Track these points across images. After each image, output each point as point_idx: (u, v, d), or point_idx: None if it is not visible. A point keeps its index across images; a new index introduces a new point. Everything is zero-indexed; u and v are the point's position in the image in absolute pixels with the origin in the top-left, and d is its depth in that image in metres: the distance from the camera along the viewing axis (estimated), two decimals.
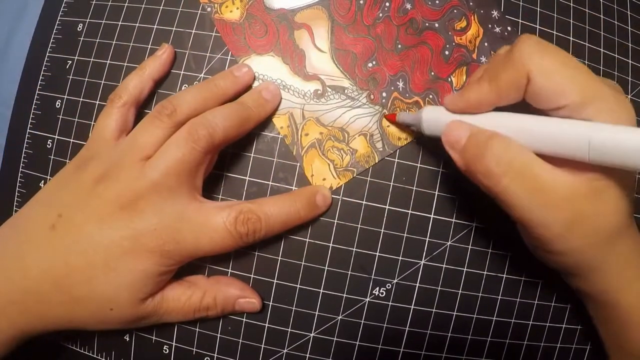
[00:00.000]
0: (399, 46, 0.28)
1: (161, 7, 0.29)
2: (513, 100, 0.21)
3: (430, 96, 0.27)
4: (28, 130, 0.30)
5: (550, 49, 0.20)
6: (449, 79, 0.28)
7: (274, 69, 0.28)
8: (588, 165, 0.19)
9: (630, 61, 0.30)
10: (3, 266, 0.22)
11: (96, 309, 0.23)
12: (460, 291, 0.27)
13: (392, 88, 0.27)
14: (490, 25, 0.28)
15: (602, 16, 0.30)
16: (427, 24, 0.28)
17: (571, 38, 0.29)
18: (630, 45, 0.30)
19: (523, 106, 0.21)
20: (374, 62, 0.28)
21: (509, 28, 0.28)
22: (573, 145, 0.19)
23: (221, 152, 0.26)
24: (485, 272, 0.27)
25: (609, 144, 0.18)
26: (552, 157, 0.20)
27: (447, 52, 0.28)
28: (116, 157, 0.23)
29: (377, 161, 0.27)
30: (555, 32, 0.29)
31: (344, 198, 0.27)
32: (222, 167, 0.27)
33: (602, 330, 0.24)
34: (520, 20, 0.29)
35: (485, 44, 0.28)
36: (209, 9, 0.28)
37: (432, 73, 0.28)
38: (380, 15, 0.28)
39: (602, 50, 0.30)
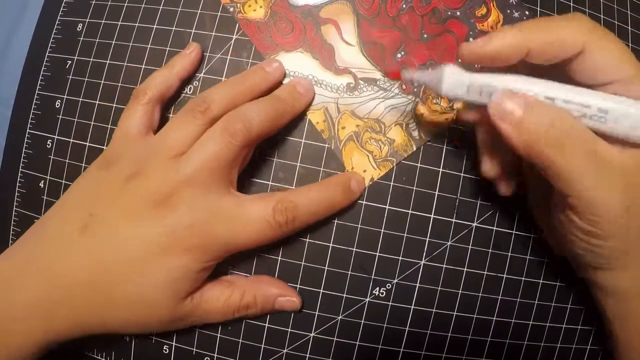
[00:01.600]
0: (425, 36, 0.28)
1: (161, 7, 0.29)
2: (540, 61, 0.20)
3: None
4: (28, 130, 0.30)
5: (602, 28, 0.20)
6: (476, 66, 0.28)
7: (304, 65, 0.28)
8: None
9: None
10: (35, 271, 0.22)
11: (133, 309, 0.22)
12: (460, 291, 0.27)
13: None
14: (508, 11, 0.29)
15: (602, 16, 0.30)
16: (449, 13, 0.28)
17: None
18: (630, 45, 0.30)
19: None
20: (402, 53, 0.28)
21: (527, 12, 0.29)
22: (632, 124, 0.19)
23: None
24: (485, 272, 0.27)
25: None
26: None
27: (471, 40, 0.28)
28: (147, 154, 0.23)
29: (414, 149, 0.27)
30: None
31: None
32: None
33: (617, 326, 0.23)
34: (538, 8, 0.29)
35: None
36: (231, 9, 0.28)
37: (460, 61, 0.28)
38: (404, 6, 0.28)
39: None
